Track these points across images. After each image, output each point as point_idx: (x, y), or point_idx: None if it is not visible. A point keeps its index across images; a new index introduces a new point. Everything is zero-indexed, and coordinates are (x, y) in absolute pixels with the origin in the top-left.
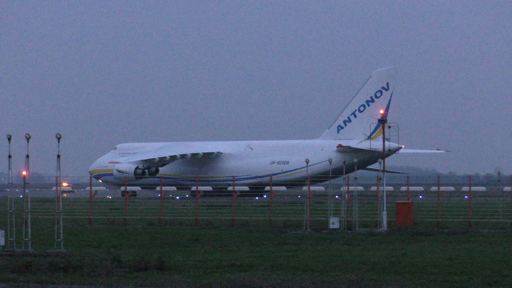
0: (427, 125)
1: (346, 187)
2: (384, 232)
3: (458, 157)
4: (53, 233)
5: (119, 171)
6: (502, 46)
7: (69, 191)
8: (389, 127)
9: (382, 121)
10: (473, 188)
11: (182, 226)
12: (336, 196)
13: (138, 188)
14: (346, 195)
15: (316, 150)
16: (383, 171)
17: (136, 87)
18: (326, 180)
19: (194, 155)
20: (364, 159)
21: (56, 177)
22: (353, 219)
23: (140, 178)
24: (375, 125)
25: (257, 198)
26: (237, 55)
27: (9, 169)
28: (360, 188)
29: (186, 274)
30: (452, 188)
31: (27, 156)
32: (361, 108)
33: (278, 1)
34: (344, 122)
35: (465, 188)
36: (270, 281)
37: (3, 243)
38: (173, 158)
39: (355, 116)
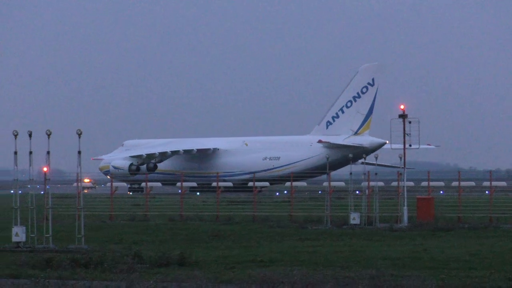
0: (437, 122)
1: (367, 182)
2: (404, 227)
3: (479, 152)
4: (74, 229)
5: (115, 167)
6: (495, 39)
7: (90, 187)
8: (410, 122)
9: (403, 116)
10: (494, 183)
11: (203, 222)
12: (357, 192)
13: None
14: (367, 191)
15: (305, 146)
16: (404, 168)
17: (148, 85)
18: (310, 177)
19: (187, 151)
20: (346, 156)
21: (77, 173)
22: (373, 214)
23: (135, 174)
24: (361, 120)
25: (277, 194)
26: (239, 54)
27: (30, 165)
28: (381, 183)
29: (207, 269)
30: (473, 183)
31: (48, 152)
32: (348, 104)
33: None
34: (333, 117)
35: (486, 183)
36: (291, 277)
37: (24, 239)
38: (163, 154)
39: (342, 112)
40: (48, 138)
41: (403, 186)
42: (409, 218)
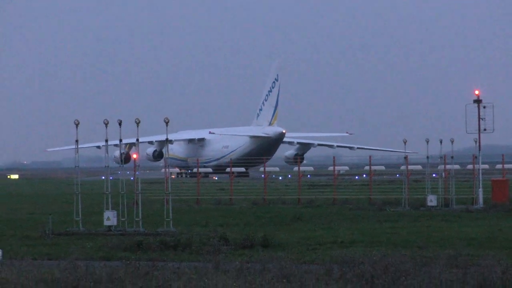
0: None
1: (443, 165)
2: (480, 208)
3: None
4: (162, 213)
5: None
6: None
7: (178, 173)
8: (484, 107)
9: (477, 101)
10: None
11: (285, 205)
12: (434, 175)
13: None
14: (443, 174)
15: (239, 136)
16: (479, 152)
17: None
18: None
19: (159, 142)
20: (261, 144)
21: (165, 159)
22: (450, 196)
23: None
24: (272, 113)
25: (356, 177)
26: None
27: (121, 152)
28: (457, 166)
29: (289, 251)
30: None
31: (137, 139)
32: (266, 97)
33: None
34: (260, 110)
35: None
36: (371, 257)
37: (115, 223)
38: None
39: (264, 104)
40: (137, 126)
41: (479, 169)
42: (485, 199)
